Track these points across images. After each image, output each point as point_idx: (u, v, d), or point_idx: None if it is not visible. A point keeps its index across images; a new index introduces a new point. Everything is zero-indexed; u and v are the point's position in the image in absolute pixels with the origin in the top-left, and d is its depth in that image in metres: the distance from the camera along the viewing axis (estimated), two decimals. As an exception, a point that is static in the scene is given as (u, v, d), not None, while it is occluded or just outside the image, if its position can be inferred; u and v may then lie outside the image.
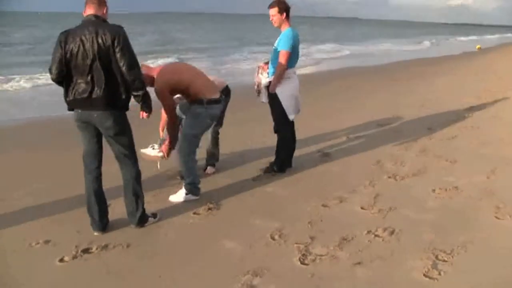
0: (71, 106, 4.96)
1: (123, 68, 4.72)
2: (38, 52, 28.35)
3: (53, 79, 4.93)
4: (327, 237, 5.05)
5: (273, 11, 6.69)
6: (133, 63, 4.77)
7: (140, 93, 4.89)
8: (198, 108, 5.93)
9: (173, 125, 6.02)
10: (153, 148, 6.30)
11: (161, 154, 6.22)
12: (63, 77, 4.85)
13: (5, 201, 6.15)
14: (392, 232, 5.15)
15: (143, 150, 6.19)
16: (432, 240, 4.99)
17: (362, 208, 5.85)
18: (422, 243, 4.93)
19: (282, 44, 6.61)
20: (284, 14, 6.68)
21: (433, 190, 6.40)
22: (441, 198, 6.17)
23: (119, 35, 4.72)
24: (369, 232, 5.16)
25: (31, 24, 70.63)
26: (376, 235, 5.10)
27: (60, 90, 5.00)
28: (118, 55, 4.70)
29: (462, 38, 68.43)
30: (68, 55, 4.73)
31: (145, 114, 5.19)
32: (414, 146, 8.56)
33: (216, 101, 5.99)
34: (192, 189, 6.12)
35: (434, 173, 7.13)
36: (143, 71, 5.22)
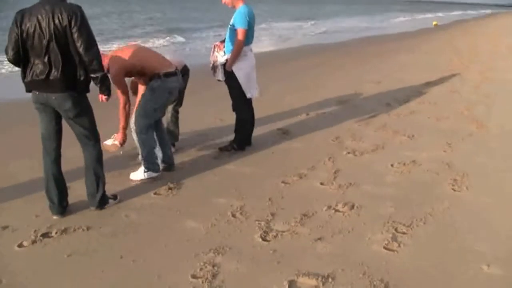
0: (29, 88, 4.83)
1: (80, 49, 4.60)
2: None
3: (9, 60, 4.78)
4: (288, 214, 5.09)
5: None
6: (90, 44, 4.65)
7: (98, 74, 4.77)
8: (155, 82, 5.87)
9: (125, 108, 5.88)
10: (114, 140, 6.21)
11: (117, 142, 6.14)
12: (20, 58, 4.72)
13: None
14: (352, 207, 5.22)
15: (105, 142, 6.09)
16: (392, 213, 5.09)
17: (322, 184, 5.90)
18: (381, 216, 5.02)
19: (238, 22, 6.56)
20: None
21: (392, 165, 6.49)
22: (399, 173, 6.27)
23: (76, 15, 4.58)
24: (329, 207, 5.22)
25: None
26: (336, 210, 5.16)
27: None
28: (75, 36, 4.58)
29: (419, 15, 69.12)
30: (24, 35, 4.59)
31: (104, 97, 5.05)
32: (373, 122, 8.66)
33: (172, 74, 5.92)
34: (150, 165, 6.06)
35: (392, 148, 7.24)
36: None
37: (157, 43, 23.09)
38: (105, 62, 5.52)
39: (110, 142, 6.12)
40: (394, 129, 8.15)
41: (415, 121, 8.79)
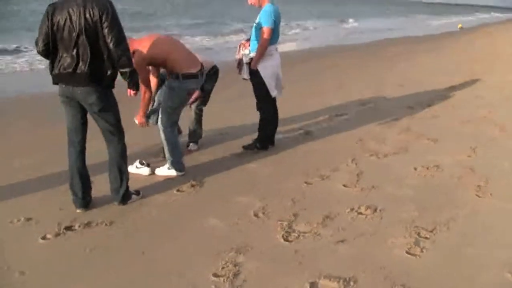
0: (56, 80, 4.88)
1: (110, 44, 4.65)
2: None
3: (39, 52, 4.85)
4: (310, 215, 5.07)
5: None
6: (120, 39, 4.69)
7: (126, 70, 4.82)
8: (174, 82, 5.88)
9: (145, 96, 5.90)
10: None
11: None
12: (50, 51, 4.77)
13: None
14: (374, 210, 5.18)
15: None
16: (415, 217, 5.04)
17: (344, 186, 5.88)
18: (404, 220, 4.98)
19: (263, 20, 6.57)
20: None
21: (415, 168, 6.44)
22: (423, 176, 6.21)
23: (107, 10, 4.63)
24: (351, 209, 5.19)
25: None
26: (359, 213, 5.13)
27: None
28: (105, 31, 4.62)
29: (444, 17, 68.50)
30: (54, 27, 4.65)
31: (132, 92, 5.13)
32: (396, 125, 8.60)
33: (192, 76, 5.89)
34: (174, 164, 6.11)
35: (415, 151, 7.18)
36: None
37: (183, 39, 23.09)
38: (132, 47, 5.55)
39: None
40: (417, 133, 8.08)
41: (438, 124, 8.71)
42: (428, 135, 7.90)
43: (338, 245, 4.51)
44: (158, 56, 5.75)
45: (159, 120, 6.05)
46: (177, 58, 5.84)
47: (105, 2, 4.69)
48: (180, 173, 6.13)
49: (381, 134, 8.04)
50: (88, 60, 4.67)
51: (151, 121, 6.36)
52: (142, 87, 5.74)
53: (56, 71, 4.80)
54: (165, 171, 6.15)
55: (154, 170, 6.21)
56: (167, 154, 6.12)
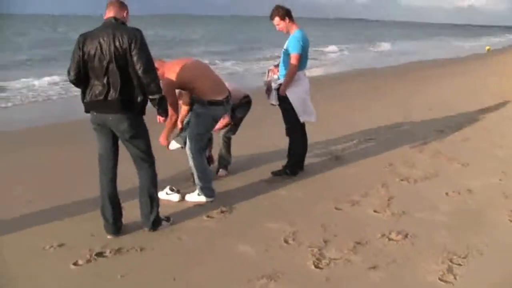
0: (88, 108, 4.97)
1: (139, 71, 4.72)
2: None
3: (71, 81, 4.95)
4: (341, 241, 5.04)
5: (276, 21, 6.74)
6: (149, 67, 4.77)
7: (156, 96, 4.88)
8: (200, 108, 5.93)
9: (171, 119, 5.87)
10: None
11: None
12: (81, 79, 4.87)
13: (19, 201, 6.20)
14: (406, 236, 5.13)
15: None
16: (447, 243, 4.97)
17: (375, 211, 5.84)
18: (436, 246, 4.91)
19: (292, 46, 6.61)
20: (287, 18, 6.71)
21: (446, 193, 6.37)
22: (454, 201, 6.15)
23: (136, 38, 4.72)
24: (383, 235, 5.15)
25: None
26: (390, 239, 5.08)
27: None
28: (134, 58, 4.70)
29: (472, 40, 68.04)
30: (85, 56, 4.75)
31: (161, 118, 5.20)
32: (426, 149, 8.53)
33: (218, 103, 5.92)
34: (204, 190, 6.14)
35: (447, 176, 7.12)
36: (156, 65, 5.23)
37: (215, 64, 23.34)
38: (161, 70, 5.64)
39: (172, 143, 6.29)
40: (448, 156, 8.01)
41: (469, 148, 8.64)
42: (459, 159, 7.83)
43: (369, 271, 4.46)
44: (186, 82, 5.81)
45: (187, 146, 6.09)
46: (204, 84, 5.88)
47: (134, 31, 4.79)
48: (209, 199, 6.14)
49: (411, 158, 7.99)
50: (119, 87, 4.75)
51: (178, 144, 6.39)
52: (170, 110, 5.77)
53: (87, 99, 4.89)
54: (195, 197, 6.18)
55: (184, 196, 6.23)
56: (196, 180, 6.15)
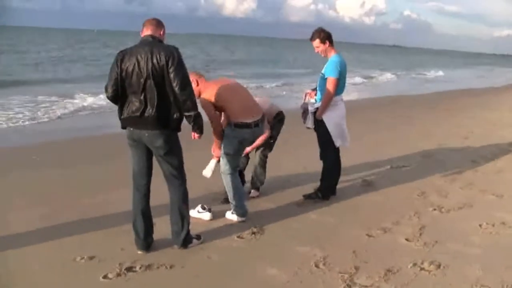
0: (124, 124, 5.05)
1: (176, 88, 4.78)
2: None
3: (108, 97, 5.03)
4: (372, 268, 4.99)
5: (316, 43, 6.76)
6: (185, 84, 4.83)
7: (191, 113, 4.93)
8: (227, 129, 5.99)
9: (214, 131, 5.98)
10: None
11: (212, 164, 6.32)
12: (119, 96, 4.95)
13: (54, 212, 6.29)
14: (438, 266, 5.06)
15: (203, 172, 6.30)
16: (479, 276, 4.90)
17: (407, 239, 5.77)
18: (469, 279, 4.84)
19: (329, 71, 6.63)
20: (327, 42, 6.73)
21: (480, 225, 6.28)
22: (488, 234, 6.05)
23: (173, 55, 4.79)
24: (414, 264, 5.09)
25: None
26: (422, 268, 5.02)
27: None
28: (171, 75, 4.77)
29: (509, 69, 67.32)
30: (123, 73, 4.83)
31: (196, 135, 5.23)
32: (459, 179, 8.43)
33: (245, 125, 5.93)
34: (237, 209, 6.17)
35: (480, 207, 7.01)
36: (193, 81, 5.31)
37: (250, 85, 23.38)
38: (198, 88, 5.76)
39: (208, 171, 6.31)
40: (481, 188, 7.90)
41: (503, 180, 8.52)
42: (493, 190, 7.72)
43: (401, 301, 4.42)
44: (218, 103, 5.85)
45: (221, 165, 6.13)
46: (234, 107, 5.92)
47: (171, 48, 4.87)
48: (241, 219, 6.16)
49: (443, 187, 7.90)
50: (156, 104, 4.83)
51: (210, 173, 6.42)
52: (213, 124, 5.91)
53: (125, 115, 4.97)
54: (229, 215, 6.22)
55: (214, 215, 6.26)
56: (230, 199, 6.19)
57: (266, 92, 21.91)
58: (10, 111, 14.87)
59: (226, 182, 6.13)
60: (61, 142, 10.89)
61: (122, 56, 4.89)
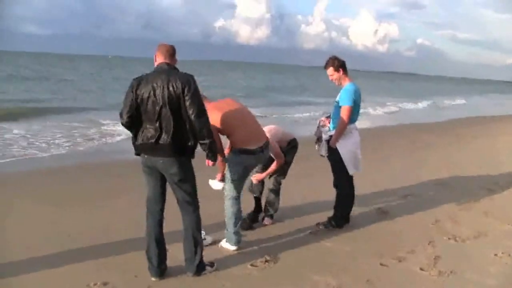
0: (139, 151, 5.09)
1: (192, 116, 4.82)
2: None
3: (122, 124, 5.06)
4: (386, 298, 4.95)
5: (330, 71, 6.77)
6: (201, 112, 4.87)
7: (206, 141, 4.97)
8: (232, 155, 5.98)
9: (218, 151, 5.66)
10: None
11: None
12: (133, 122, 4.98)
13: (64, 235, 6.37)
14: (454, 297, 5.00)
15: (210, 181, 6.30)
16: (496, 308, 4.84)
17: (421, 269, 5.71)
18: (485, 310, 4.79)
19: (343, 99, 6.64)
20: (341, 70, 6.74)
21: (495, 254, 6.21)
22: (504, 263, 5.98)
23: (190, 84, 4.84)
24: (429, 295, 5.03)
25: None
26: (437, 299, 4.96)
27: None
28: (187, 103, 4.81)
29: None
30: (139, 100, 4.87)
31: (210, 163, 5.26)
32: (474, 207, 8.35)
33: (250, 152, 5.90)
34: (231, 236, 6.11)
35: (496, 236, 6.93)
36: None
37: (258, 112, 23.34)
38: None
39: (216, 184, 6.30)
40: (497, 216, 7.81)
41: (520, 209, 8.42)
42: (509, 220, 7.63)
43: (416, 332, 4.37)
44: (223, 129, 5.82)
45: (225, 189, 6.12)
46: (239, 134, 5.89)
47: (187, 76, 4.92)
48: (233, 248, 6.11)
49: (458, 216, 7.82)
50: (171, 131, 4.86)
51: (220, 185, 6.38)
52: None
53: (139, 141, 5.01)
54: (223, 244, 6.20)
55: (214, 240, 6.30)
56: (226, 224, 6.13)
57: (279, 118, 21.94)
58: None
59: (227, 206, 6.09)
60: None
61: (138, 82, 4.93)
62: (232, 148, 6.00)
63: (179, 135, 4.89)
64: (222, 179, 6.21)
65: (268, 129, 6.70)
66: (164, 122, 4.86)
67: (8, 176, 10.02)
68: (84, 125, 17.77)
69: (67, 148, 13.77)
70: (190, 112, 4.82)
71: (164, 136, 4.87)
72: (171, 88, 4.80)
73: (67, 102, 27.40)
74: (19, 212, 7.44)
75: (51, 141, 14.46)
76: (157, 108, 4.84)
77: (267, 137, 6.21)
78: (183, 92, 4.80)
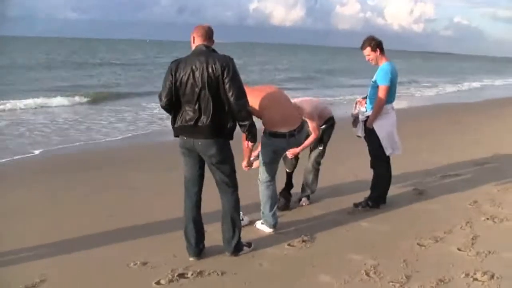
0: (177, 133, 5.14)
1: (231, 98, 4.84)
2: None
3: (162, 106, 5.12)
4: (423, 277, 4.94)
5: (367, 51, 6.73)
6: (241, 94, 4.89)
7: (246, 123, 5.01)
8: (263, 138, 5.97)
9: (247, 145, 5.82)
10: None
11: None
12: (172, 105, 5.03)
13: (105, 216, 6.57)
14: (492, 277, 4.95)
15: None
16: (535, 288, 4.80)
17: (459, 249, 5.68)
18: (524, 291, 4.75)
19: (380, 78, 6.61)
20: (378, 50, 6.69)
21: (535, 234, 6.15)
22: (543, 244, 5.92)
23: (229, 66, 4.85)
24: (467, 275, 5.01)
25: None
26: (474, 279, 4.93)
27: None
28: (227, 86, 4.83)
29: None
30: (178, 83, 4.90)
31: (250, 144, 5.30)
32: (513, 188, 8.25)
33: (280, 135, 5.89)
34: (266, 218, 6.15)
35: (536, 217, 6.84)
36: None
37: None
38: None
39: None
40: (537, 197, 7.71)
41: (561, 190, 8.27)
42: (550, 201, 7.51)
43: (453, 311, 4.38)
44: (257, 111, 5.80)
45: (259, 173, 6.17)
46: (270, 116, 5.87)
47: (226, 58, 4.93)
48: (269, 230, 6.15)
49: (497, 196, 7.73)
50: (211, 114, 4.88)
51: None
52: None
53: (178, 123, 5.06)
54: (258, 225, 6.26)
55: (250, 220, 6.39)
56: (261, 207, 6.17)
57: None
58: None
59: (261, 190, 6.14)
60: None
61: (176, 65, 4.96)
62: (264, 130, 6.01)
63: (218, 117, 4.91)
64: (249, 166, 6.28)
65: (310, 101, 6.74)
66: (203, 104, 4.89)
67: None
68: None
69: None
70: (230, 94, 4.84)
71: (203, 118, 4.90)
72: (210, 70, 4.82)
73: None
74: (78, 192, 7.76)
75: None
76: (196, 90, 4.86)
77: (301, 121, 6.18)
78: (222, 74, 4.82)
